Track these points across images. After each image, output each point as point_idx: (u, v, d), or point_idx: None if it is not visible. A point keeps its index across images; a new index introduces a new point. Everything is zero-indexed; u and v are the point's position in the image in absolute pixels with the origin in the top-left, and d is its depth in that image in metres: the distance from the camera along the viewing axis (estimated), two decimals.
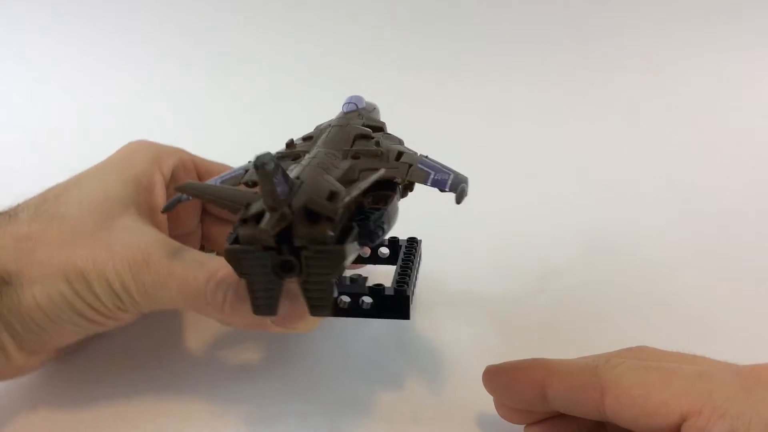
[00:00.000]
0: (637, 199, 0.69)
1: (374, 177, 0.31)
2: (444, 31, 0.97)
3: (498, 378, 0.36)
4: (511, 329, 0.49)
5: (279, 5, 0.99)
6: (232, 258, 0.29)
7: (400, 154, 0.37)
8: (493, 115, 0.88)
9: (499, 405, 0.37)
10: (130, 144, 0.45)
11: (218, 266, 0.35)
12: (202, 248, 0.50)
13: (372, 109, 0.45)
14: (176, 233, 0.45)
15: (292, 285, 0.31)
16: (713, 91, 0.89)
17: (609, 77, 0.92)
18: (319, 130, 0.41)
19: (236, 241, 0.29)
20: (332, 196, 0.29)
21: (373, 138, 0.39)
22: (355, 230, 0.30)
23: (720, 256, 0.58)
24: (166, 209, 0.37)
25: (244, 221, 0.28)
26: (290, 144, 0.39)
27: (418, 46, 0.97)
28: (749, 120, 0.85)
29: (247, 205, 0.29)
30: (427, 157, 0.37)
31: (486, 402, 0.37)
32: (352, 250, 0.30)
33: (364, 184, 0.30)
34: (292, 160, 0.36)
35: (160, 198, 0.42)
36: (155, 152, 0.44)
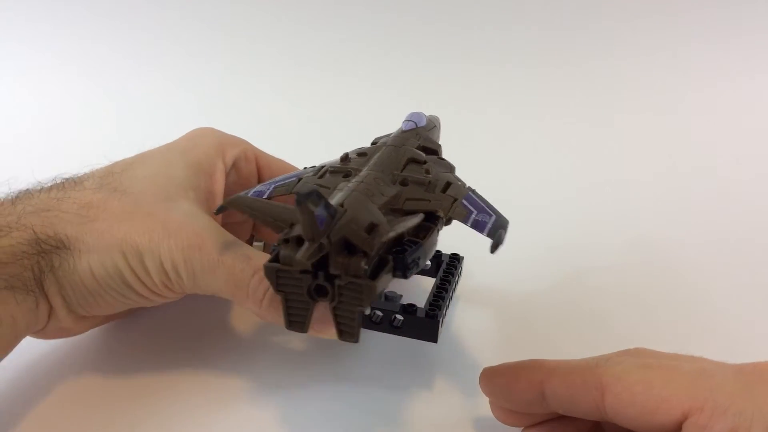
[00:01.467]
0: (652, 203, 0.69)
1: (414, 221, 0.32)
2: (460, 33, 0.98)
3: (495, 380, 0.36)
4: (514, 332, 0.48)
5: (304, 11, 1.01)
6: (269, 275, 0.30)
7: (447, 185, 0.37)
8: (519, 117, 0.89)
9: (495, 407, 0.37)
10: (198, 129, 0.46)
11: (262, 263, 0.34)
12: (252, 237, 0.51)
13: (432, 127, 0.45)
14: (230, 220, 0.46)
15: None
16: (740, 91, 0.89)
17: (639, 83, 0.93)
18: (375, 147, 0.41)
19: (276, 258, 0.30)
20: (371, 228, 0.29)
21: (424, 163, 0.39)
22: (390, 264, 0.30)
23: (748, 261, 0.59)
24: (219, 212, 0.37)
25: (285, 241, 0.29)
26: (344, 158, 0.39)
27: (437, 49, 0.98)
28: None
29: (291, 225, 0.30)
30: (474, 191, 0.37)
31: (483, 405, 0.38)
32: (385, 283, 0.30)
33: (403, 226, 0.30)
34: (343, 177, 0.37)
35: (219, 184, 0.43)
36: (220, 140, 0.45)
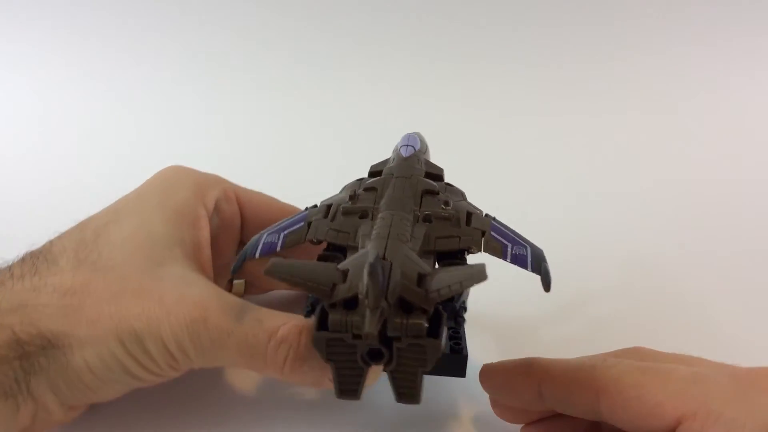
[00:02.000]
0: (649, 208, 0.71)
1: (471, 285, 0.28)
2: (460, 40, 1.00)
3: (495, 377, 0.36)
4: (512, 332, 0.49)
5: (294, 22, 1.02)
6: (318, 345, 0.29)
7: (468, 215, 0.36)
8: (521, 132, 0.91)
9: (495, 404, 0.37)
10: (168, 170, 0.42)
11: (277, 324, 0.34)
12: (230, 281, 0.49)
13: (426, 149, 0.44)
14: (215, 263, 0.43)
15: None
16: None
17: (643, 87, 0.95)
18: (382, 180, 0.38)
19: (323, 324, 0.28)
20: (421, 279, 0.28)
21: (438, 194, 0.37)
22: (445, 317, 0.29)
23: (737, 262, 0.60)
24: (235, 271, 0.35)
25: (332, 306, 0.28)
26: (353, 196, 0.37)
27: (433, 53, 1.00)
28: None
29: (333, 286, 0.28)
30: (494, 219, 0.37)
31: (483, 401, 0.38)
32: (445, 337, 0.30)
33: (458, 285, 0.28)
34: (360, 217, 0.35)
35: (205, 233, 0.40)
36: (197, 182, 0.41)
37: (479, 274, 0.27)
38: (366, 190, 0.38)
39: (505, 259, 0.33)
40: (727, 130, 0.88)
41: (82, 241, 0.37)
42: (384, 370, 0.29)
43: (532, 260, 0.33)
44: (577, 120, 0.91)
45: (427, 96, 0.96)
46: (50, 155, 0.86)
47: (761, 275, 0.59)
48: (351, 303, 0.28)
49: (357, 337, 0.28)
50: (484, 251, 0.34)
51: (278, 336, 0.33)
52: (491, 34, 0.99)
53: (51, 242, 0.37)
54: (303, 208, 0.40)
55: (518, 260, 0.33)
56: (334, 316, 0.28)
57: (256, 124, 0.92)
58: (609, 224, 0.67)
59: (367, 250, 0.30)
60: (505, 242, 0.34)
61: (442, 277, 0.28)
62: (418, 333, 0.28)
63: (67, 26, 1.02)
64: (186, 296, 0.34)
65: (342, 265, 0.30)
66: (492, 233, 0.35)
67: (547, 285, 0.31)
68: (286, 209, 0.45)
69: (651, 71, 0.96)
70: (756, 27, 0.95)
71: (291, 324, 0.33)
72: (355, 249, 0.33)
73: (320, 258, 0.34)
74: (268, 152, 0.88)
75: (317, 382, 0.34)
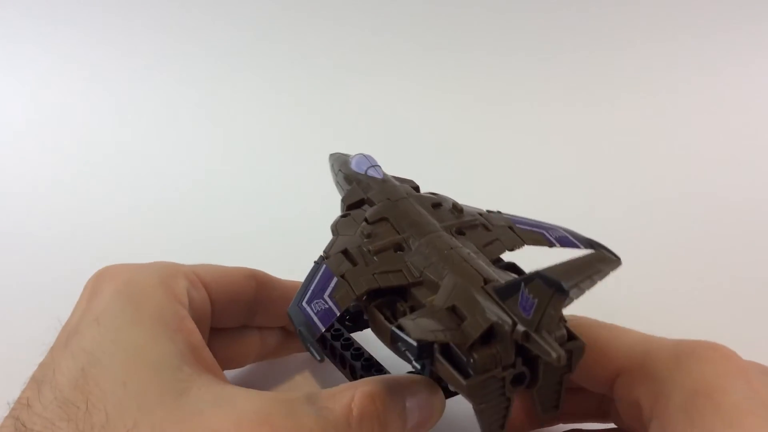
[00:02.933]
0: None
1: (603, 276, 0.26)
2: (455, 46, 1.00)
3: None
4: None
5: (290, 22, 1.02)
6: (474, 391, 0.27)
7: (480, 215, 0.36)
8: (521, 128, 0.90)
9: None
10: (119, 274, 0.36)
11: (344, 403, 0.31)
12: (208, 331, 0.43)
13: (376, 164, 0.42)
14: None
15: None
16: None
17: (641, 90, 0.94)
18: (385, 207, 0.37)
19: (469, 372, 0.27)
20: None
21: (442, 205, 0.37)
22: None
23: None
24: (322, 358, 0.31)
25: (471, 347, 0.27)
26: (369, 234, 0.35)
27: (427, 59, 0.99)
28: None
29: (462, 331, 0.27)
30: (499, 212, 0.37)
31: None
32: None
33: (589, 281, 0.26)
34: (395, 251, 0.34)
35: (196, 333, 0.35)
36: (161, 279, 0.36)
37: (610, 262, 0.26)
38: (374, 222, 0.36)
39: (550, 245, 0.33)
40: (729, 122, 0.87)
41: (70, 405, 0.29)
42: (529, 389, 0.29)
43: (575, 237, 0.33)
44: (576, 116, 0.91)
45: (425, 94, 0.96)
46: (50, 155, 0.86)
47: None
48: (486, 337, 0.27)
49: (506, 368, 0.27)
50: (528, 244, 0.34)
51: (356, 414, 0.30)
52: (490, 30, 0.99)
53: (30, 415, 0.30)
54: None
55: (564, 242, 0.33)
56: (481, 355, 0.27)
57: (254, 124, 0.92)
58: (609, 221, 0.67)
59: (456, 283, 0.30)
60: (538, 230, 0.34)
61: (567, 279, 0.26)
62: (562, 340, 0.27)
63: (66, 26, 1.02)
64: (240, 420, 0.28)
65: (442, 305, 0.29)
66: (518, 225, 0.35)
67: (612, 253, 0.30)
68: (243, 275, 0.42)
69: (652, 65, 0.96)
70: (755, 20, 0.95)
71: (358, 395, 0.31)
72: (419, 284, 0.32)
73: (380, 306, 0.32)
74: (267, 151, 0.88)
75: None
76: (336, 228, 0.37)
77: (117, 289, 0.34)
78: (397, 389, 0.32)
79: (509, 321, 0.27)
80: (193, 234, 0.72)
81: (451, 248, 0.32)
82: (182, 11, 1.01)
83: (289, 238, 0.68)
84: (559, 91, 0.94)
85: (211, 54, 1.01)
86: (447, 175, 0.73)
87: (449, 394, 0.35)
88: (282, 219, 0.73)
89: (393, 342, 0.30)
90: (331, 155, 0.45)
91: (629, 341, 0.32)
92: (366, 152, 0.42)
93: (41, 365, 0.33)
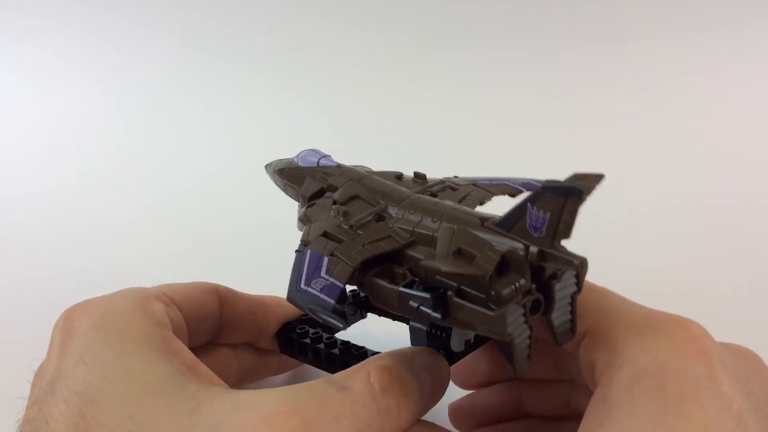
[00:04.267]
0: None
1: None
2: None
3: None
4: None
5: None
6: (505, 321, 0.27)
7: (442, 180, 0.37)
8: (520, 122, 0.90)
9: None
10: (97, 314, 0.34)
11: (363, 379, 0.30)
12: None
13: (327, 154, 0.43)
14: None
15: None
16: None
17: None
18: (348, 188, 0.37)
19: (484, 303, 0.27)
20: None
21: (402, 175, 0.38)
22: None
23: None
24: (347, 325, 0.32)
25: (489, 280, 0.27)
26: (344, 213, 0.35)
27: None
28: None
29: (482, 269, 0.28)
30: (456, 176, 0.38)
31: None
32: None
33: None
34: (377, 221, 0.34)
35: (186, 350, 0.34)
36: (139, 305, 0.35)
37: (593, 178, 0.27)
38: (347, 202, 0.36)
39: (518, 192, 0.35)
40: (730, 121, 0.87)
41: None
42: (545, 316, 0.29)
43: (538, 181, 0.34)
44: (576, 113, 0.91)
45: (425, 92, 0.96)
46: (52, 155, 0.87)
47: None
48: (501, 269, 0.27)
49: (525, 295, 0.27)
50: (496, 195, 0.35)
51: (377, 388, 0.30)
52: (489, 27, 0.99)
53: None
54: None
55: (529, 186, 0.34)
56: (501, 285, 0.27)
57: (253, 122, 0.92)
58: (609, 221, 0.67)
59: (443, 227, 0.30)
60: (501, 182, 0.36)
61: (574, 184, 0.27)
62: (570, 259, 0.27)
63: (68, 27, 1.02)
64: (267, 416, 0.28)
65: (447, 251, 0.29)
66: (479, 182, 0.37)
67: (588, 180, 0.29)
68: (204, 290, 0.41)
69: (650, 63, 0.96)
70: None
71: (373, 370, 0.31)
72: (412, 245, 0.32)
73: (378, 275, 0.32)
74: (264, 149, 0.88)
75: (425, 410, 0.32)
76: (306, 217, 0.36)
77: (94, 324, 0.33)
78: (405, 360, 0.32)
79: (521, 246, 0.27)
80: (192, 234, 0.72)
81: (435, 203, 0.33)
82: (183, 13, 1.01)
83: (292, 238, 0.68)
84: (559, 88, 0.94)
85: (211, 56, 1.01)
86: (445, 172, 0.72)
87: (451, 361, 0.35)
88: (283, 219, 0.72)
89: (402, 303, 0.29)
90: (268, 165, 0.45)
91: (606, 305, 0.31)
92: (315, 147, 0.42)
93: (27, 421, 0.31)
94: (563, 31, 0.98)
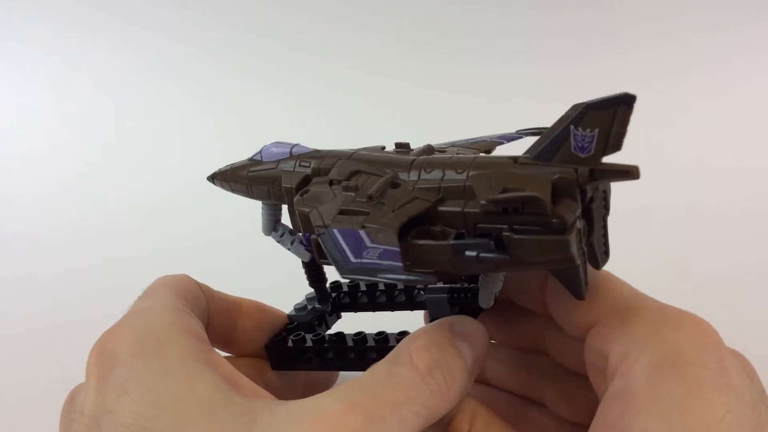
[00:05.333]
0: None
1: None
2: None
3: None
4: None
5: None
6: (568, 247, 0.27)
7: (427, 148, 0.37)
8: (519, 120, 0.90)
9: None
10: (131, 341, 0.32)
11: (407, 363, 0.30)
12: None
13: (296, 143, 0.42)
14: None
15: None
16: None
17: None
18: (347, 165, 0.36)
19: (546, 232, 0.27)
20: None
21: (384, 146, 0.38)
22: None
23: None
24: (437, 279, 0.30)
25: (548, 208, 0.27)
26: (354, 187, 0.34)
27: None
28: None
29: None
30: (429, 144, 0.39)
31: None
32: None
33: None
34: (392, 188, 0.33)
35: (224, 362, 0.33)
36: (170, 323, 0.34)
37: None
38: (351, 177, 0.35)
39: (499, 143, 0.37)
40: (730, 121, 0.87)
41: None
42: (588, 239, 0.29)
43: (510, 133, 0.38)
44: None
45: (423, 89, 0.96)
46: (51, 155, 0.86)
47: None
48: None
49: (579, 219, 0.28)
50: (482, 151, 0.37)
51: (422, 369, 0.30)
52: (488, 28, 0.98)
53: None
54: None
55: (509, 137, 0.37)
56: (562, 211, 0.27)
57: (253, 123, 0.92)
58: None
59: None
60: (480, 139, 0.38)
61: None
62: (625, 168, 0.28)
63: (67, 28, 1.01)
64: (328, 418, 0.27)
65: (492, 194, 0.29)
66: (457, 144, 0.38)
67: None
68: (196, 285, 0.40)
69: (647, 62, 0.96)
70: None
71: (414, 352, 0.31)
72: (441, 201, 0.31)
73: (424, 234, 0.31)
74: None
75: (462, 395, 0.32)
76: (304, 203, 0.34)
77: (131, 352, 0.31)
78: (442, 334, 0.32)
79: (569, 170, 0.28)
80: (189, 233, 0.72)
81: (451, 157, 0.32)
82: (182, 14, 1.01)
83: None
84: (559, 89, 0.94)
85: (208, 56, 1.00)
86: None
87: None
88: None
89: (458, 255, 0.28)
90: (214, 175, 0.43)
91: (617, 294, 0.32)
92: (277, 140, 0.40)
93: None
94: (563, 32, 0.98)
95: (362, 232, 0.30)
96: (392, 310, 0.44)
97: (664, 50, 0.96)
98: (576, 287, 0.30)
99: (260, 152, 0.39)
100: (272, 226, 0.40)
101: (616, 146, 0.28)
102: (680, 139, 0.84)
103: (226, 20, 1.01)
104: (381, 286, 0.43)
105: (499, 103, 0.93)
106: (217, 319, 0.40)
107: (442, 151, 0.36)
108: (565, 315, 0.33)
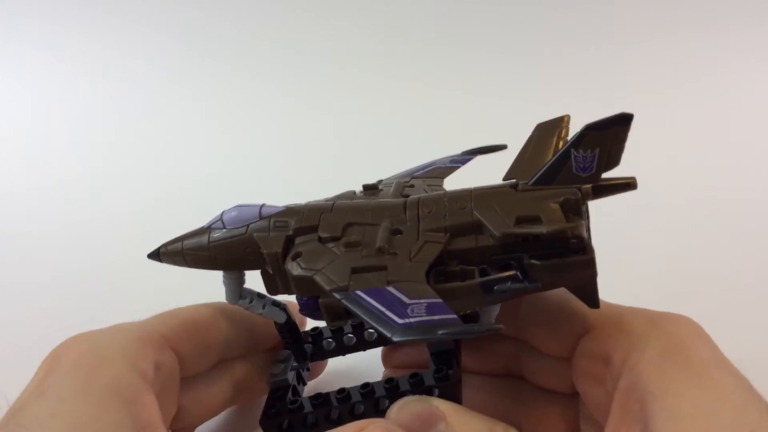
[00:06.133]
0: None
1: None
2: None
3: None
4: None
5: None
6: (593, 262, 0.30)
7: (390, 185, 0.39)
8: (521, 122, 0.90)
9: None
10: (78, 345, 0.33)
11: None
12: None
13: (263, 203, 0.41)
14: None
15: None
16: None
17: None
18: (333, 222, 0.34)
19: (568, 254, 0.30)
20: None
21: (354, 191, 0.38)
22: None
23: None
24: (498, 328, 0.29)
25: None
26: (356, 243, 0.33)
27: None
28: None
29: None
30: (380, 180, 0.41)
31: None
32: None
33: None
34: (395, 235, 0.33)
35: (152, 407, 0.32)
36: (122, 350, 0.33)
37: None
38: (344, 234, 0.33)
39: (455, 167, 0.40)
40: (730, 121, 0.87)
41: None
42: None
43: (458, 155, 0.41)
44: (576, 112, 0.90)
45: (422, 89, 0.96)
46: (51, 156, 0.87)
47: None
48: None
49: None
50: (443, 178, 0.40)
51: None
52: (487, 28, 0.99)
53: None
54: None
55: (456, 161, 0.39)
56: (579, 230, 0.29)
57: (253, 123, 0.92)
58: (609, 220, 0.67)
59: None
60: (430, 167, 0.41)
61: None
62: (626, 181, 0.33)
63: (68, 28, 1.02)
64: None
65: (508, 223, 0.31)
66: (416, 175, 0.41)
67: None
68: (210, 313, 0.40)
69: (646, 62, 0.96)
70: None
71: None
72: (451, 239, 0.32)
73: (443, 277, 0.32)
74: (263, 149, 0.88)
75: None
76: (301, 267, 0.32)
77: (72, 362, 0.32)
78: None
79: (573, 191, 0.31)
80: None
81: (444, 194, 0.33)
82: (183, 13, 1.02)
83: None
84: (559, 89, 0.94)
85: (209, 55, 1.01)
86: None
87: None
88: None
89: (488, 291, 0.30)
90: (168, 251, 0.38)
91: (603, 304, 0.33)
92: (237, 204, 0.37)
93: None
94: (563, 32, 0.98)
95: (392, 289, 0.29)
96: (385, 345, 0.42)
97: (664, 50, 0.96)
98: (592, 297, 0.31)
99: (220, 218, 0.36)
100: (238, 294, 0.37)
101: (615, 162, 0.31)
102: (680, 139, 0.84)
103: (226, 20, 1.02)
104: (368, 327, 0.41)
105: (499, 103, 0.93)
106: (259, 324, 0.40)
107: (409, 186, 0.37)
108: (546, 334, 0.34)
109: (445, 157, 0.42)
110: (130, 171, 0.85)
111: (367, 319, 0.28)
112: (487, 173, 0.37)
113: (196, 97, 0.97)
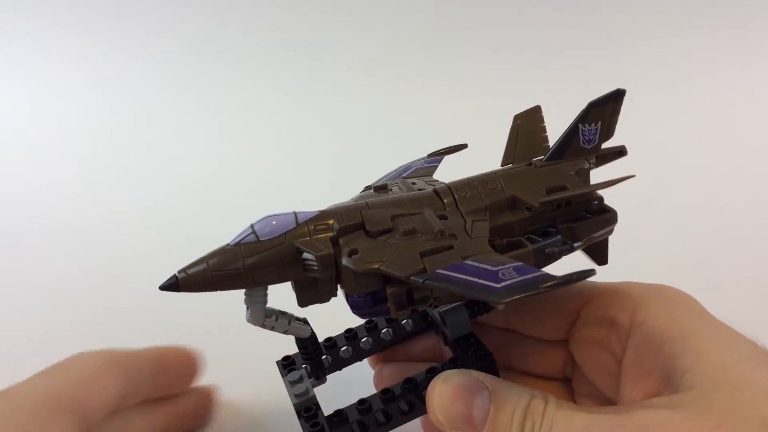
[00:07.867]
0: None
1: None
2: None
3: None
4: None
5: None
6: (616, 215, 0.35)
7: (392, 187, 0.40)
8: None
9: None
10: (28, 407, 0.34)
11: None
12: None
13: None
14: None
15: None
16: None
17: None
18: (377, 218, 0.34)
19: (593, 214, 0.35)
20: None
21: (363, 196, 0.39)
22: None
23: None
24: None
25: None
26: (412, 230, 0.33)
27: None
28: None
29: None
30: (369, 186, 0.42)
31: None
32: None
33: None
34: (442, 219, 0.34)
35: None
36: (73, 410, 0.34)
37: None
38: (394, 225, 0.34)
39: (434, 165, 0.43)
40: (730, 122, 0.87)
41: None
42: None
43: (431, 154, 0.44)
44: (574, 112, 0.91)
45: (421, 89, 0.96)
46: (50, 155, 0.86)
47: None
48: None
49: None
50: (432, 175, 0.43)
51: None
52: (488, 30, 0.99)
53: None
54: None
55: (431, 161, 0.43)
56: (595, 194, 0.35)
57: (252, 123, 0.92)
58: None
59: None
60: (410, 168, 0.44)
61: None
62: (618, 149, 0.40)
63: (68, 28, 1.01)
64: None
65: (539, 195, 0.35)
66: (404, 176, 0.43)
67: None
68: (101, 369, 0.38)
69: (644, 63, 0.96)
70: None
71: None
72: (492, 217, 0.35)
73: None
74: (262, 149, 0.88)
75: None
76: (364, 262, 0.32)
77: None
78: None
79: (581, 161, 0.36)
80: (192, 233, 0.72)
81: (471, 178, 0.36)
82: (182, 14, 1.01)
83: None
84: (559, 89, 0.94)
85: (208, 55, 1.00)
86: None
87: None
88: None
89: (539, 255, 0.33)
90: (190, 278, 0.35)
91: (596, 284, 0.34)
92: (268, 214, 0.36)
93: None
94: (563, 32, 0.98)
95: (471, 261, 0.29)
96: (403, 341, 0.42)
97: (664, 50, 0.96)
98: (603, 254, 0.37)
99: (252, 231, 0.34)
100: (264, 312, 0.35)
101: (611, 133, 0.37)
102: (680, 139, 0.84)
103: (226, 20, 1.01)
104: (382, 327, 0.42)
105: (499, 103, 0.93)
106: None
107: (413, 183, 0.40)
108: (541, 317, 0.36)
109: (419, 159, 0.44)
110: (130, 171, 0.85)
111: (463, 292, 0.28)
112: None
113: (195, 97, 0.97)
